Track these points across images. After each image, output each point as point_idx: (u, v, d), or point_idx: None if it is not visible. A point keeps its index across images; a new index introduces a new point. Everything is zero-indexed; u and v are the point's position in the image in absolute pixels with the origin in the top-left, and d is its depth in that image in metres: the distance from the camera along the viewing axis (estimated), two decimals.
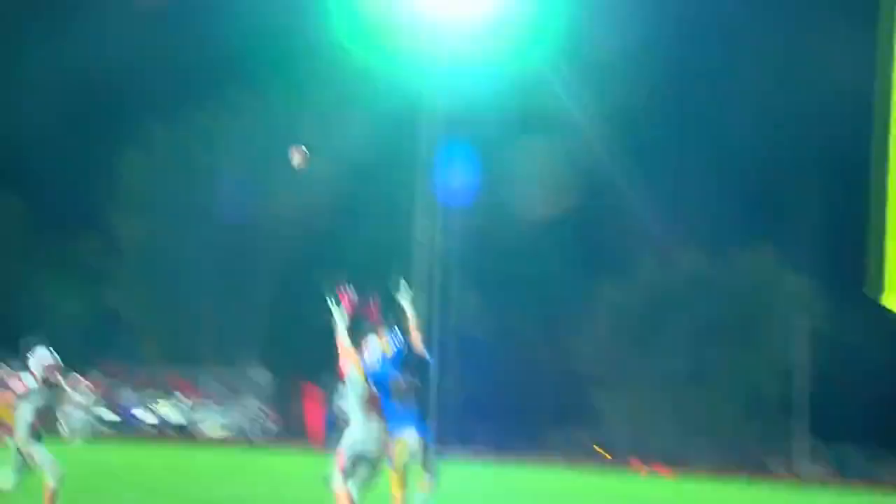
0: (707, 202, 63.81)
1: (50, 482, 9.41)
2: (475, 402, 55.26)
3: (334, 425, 20.63)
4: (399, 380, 8.10)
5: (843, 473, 57.30)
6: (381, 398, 8.17)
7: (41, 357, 9.76)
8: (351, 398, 8.41)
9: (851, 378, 56.31)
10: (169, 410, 42.98)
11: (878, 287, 17.05)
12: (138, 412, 41.89)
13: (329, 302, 8.65)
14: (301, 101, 51.90)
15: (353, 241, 51.46)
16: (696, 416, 59.46)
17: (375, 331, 8.52)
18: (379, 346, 8.30)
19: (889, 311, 16.94)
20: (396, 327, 8.59)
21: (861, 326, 51.49)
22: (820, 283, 58.22)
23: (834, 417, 56.61)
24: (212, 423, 43.35)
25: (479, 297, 56.85)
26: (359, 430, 8.20)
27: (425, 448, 8.20)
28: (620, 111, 56.88)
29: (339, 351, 8.56)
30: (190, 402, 43.71)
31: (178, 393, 43.88)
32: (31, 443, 9.48)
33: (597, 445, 57.32)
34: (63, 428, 22.34)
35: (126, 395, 41.59)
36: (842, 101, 43.12)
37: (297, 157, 9.16)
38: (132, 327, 51.00)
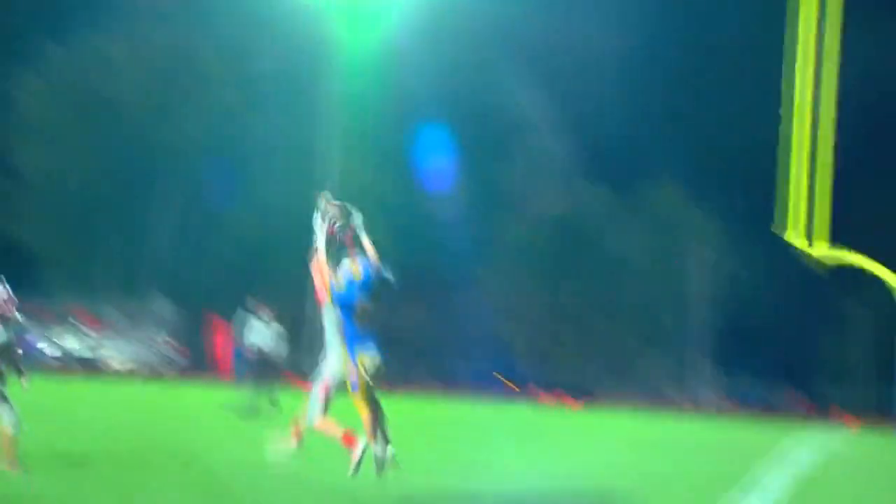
0: (617, 138, 64.57)
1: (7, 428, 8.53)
2: (384, 336, 55.52)
3: (242, 358, 20.55)
4: (364, 303, 8.12)
5: (742, 402, 59.33)
6: (344, 321, 8.24)
7: None
8: (328, 328, 8.52)
9: (751, 311, 58.09)
10: (73, 343, 42.37)
11: (783, 224, 17.68)
12: (42, 345, 41.18)
13: (315, 220, 8.64)
14: (204, 31, 50.87)
15: (263, 172, 50.91)
16: (602, 349, 60.81)
17: (348, 255, 8.48)
18: (350, 270, 8.28)
19: (791, 247, 17.50)
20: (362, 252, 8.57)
21: (761, 261, 53.06)
22: (725, 219, 59.64)
23: (733, 349, 58.45)
24: (117, 355, 42.89)
25: (386, 232, 56.78)
26: (336, 359, 8.36)
27: (382, 369, 8.27)
28: (529, 46, 57.02)
29: (315, 274, 8.59)
30: (94, 335, 43.11)
31: (82, 326, 43.22)
32: None
33: (503, 377, 58.18)
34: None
35: (30, 328, 40.75)
36: (757, 50, 44.05)
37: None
38: (34, 260, 49.83)
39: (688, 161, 60.76)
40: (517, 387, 57.41)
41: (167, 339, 45.26)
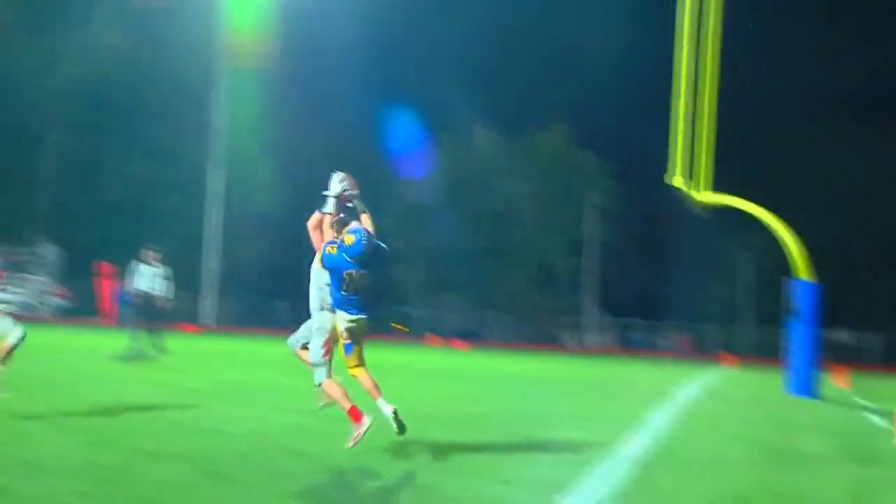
0: (506, 83, 64.84)
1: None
2: (272, 275, 55.23)
3: (127, 302, 20.19)
4: (353, 271, 8.13)
5: (627, 343, 60.82)
6: (332, 285, 8.35)
7: None
8: (313, 290, 8.61)
9: (639, 255, 59.34)
10: None
11: (670, 170, 17.94)
12: None
13: (331, 186, 8.72)
14: None
15: (148, 114, 49.96)
16: (491, 292, 61.52)
17: (344, 223, 8.49)
18: (343, 237, 8.27)
19: (678, 192, 17.79)
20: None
21: (650, 206, 54.16)
22: (615, 164, 60.65)
23: (621, 292, 59.71)
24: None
25: (276, 168, 56.35)
26: (323, 320, 8.48)
27: (363, 328, 8.31)
28: None
29: (314, 234, 8.65)
30: None
31: None
32: None
33: (394, 321, 58.48)
34: None
35: None
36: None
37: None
38: None
39: (580, 107, 61.46)
40: (409, 329, 57.84)
41: (51, 283, 44.23)
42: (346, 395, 8.27)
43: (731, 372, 33.18)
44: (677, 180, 20.78)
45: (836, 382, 27.89)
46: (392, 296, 60.96)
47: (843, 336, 56.41)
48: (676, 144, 20.43)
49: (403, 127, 60.74)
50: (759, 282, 58.00)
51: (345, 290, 8.25)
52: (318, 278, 8.64)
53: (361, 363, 8.47)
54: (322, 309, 8.58)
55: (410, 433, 8.54)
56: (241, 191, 53.35)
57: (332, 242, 8.40)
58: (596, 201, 59.27)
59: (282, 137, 54.66)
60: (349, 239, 8.27)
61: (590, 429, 11.46)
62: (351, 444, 8.08)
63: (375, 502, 6.60)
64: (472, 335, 58.60)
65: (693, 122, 21.56)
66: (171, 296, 19.07)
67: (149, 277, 18.95)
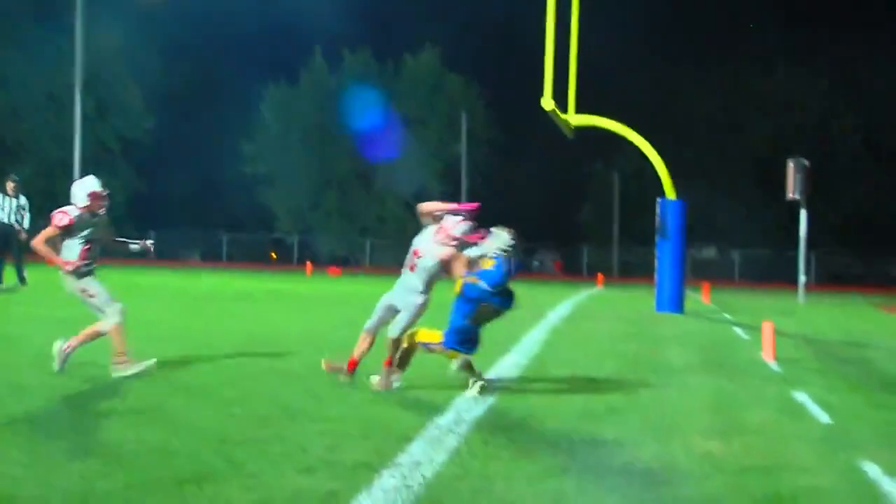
0: (377, 5, 64.05)
1: None
2: (140, 204, 54.07)
3: None
4: (489, 304, 7.97)
5: None
6: (463, 310, 8.18)
7: None
8: (425, 276, 8.50)
9: (509, 177, 59.87)
10: None
11: (543, 93, 17.98)
12: None
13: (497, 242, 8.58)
14: None
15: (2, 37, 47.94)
16: (365, 217, 61.40)
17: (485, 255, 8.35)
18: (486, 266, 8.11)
19: (546, 114, 17.86)
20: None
21: (522, 129, 54.59)
22: (485, 87, 60.74)
23: (493, 215, 60.33)
24: None
25: (143, 95, 54.82)
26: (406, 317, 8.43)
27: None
28: None
29: (456, 266, 8.37)
30: None
31: None
32: None
33: (272, 252, 58.00)
34: None
35: None
36: None
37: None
38: None
39: (451, 30, 61.19)
40: (277, 255, 57.48)
41: None
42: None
43: (603, 291, 34.00)
44: (548, 103, 20.91)
45: (702, 298, 28.88)
46: (264, 223, 60.33)
47: (709, 253, 58.31)
48: (547, 67, 20.52)
49: (272, 52, 59.71)
50: (628, 202, 59.31)
51: (471, 321, 8.08)
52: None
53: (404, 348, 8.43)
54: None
55: (291, 356, 8.52)
56: (107, 117, 51.79)
57: (471, 274, 8.21)
58: (468, 125, 59.34)
59: (147, 65, 53.02)
60: (488, 263, 8.18)
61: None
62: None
63: (254, 419, 6.57)
64: (346, 261, 58.54)
65: (563, 45, 21.70)
66: (28, 226, 18.36)
67: (7, 208, 18.25)
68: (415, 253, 8.42)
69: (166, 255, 47.52)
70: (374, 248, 60.36)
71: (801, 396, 8.81)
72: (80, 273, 8.57)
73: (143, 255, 8.82)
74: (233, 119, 58.92)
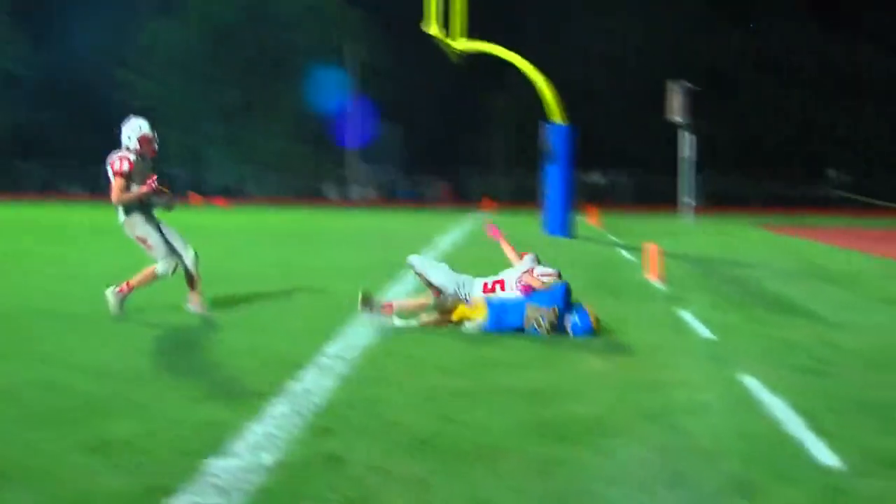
0: None
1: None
2: (25, 137, 52.34)
3: None
4: (547, 310, 7.80)
5: (391, 195, 61.55)
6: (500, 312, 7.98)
7: None
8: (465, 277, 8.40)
9: (400, 106, 59.46)
10: None
11: (426, 18, 17.92)
12: None
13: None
14: None
15: None
16: (253, 147, 60.42)
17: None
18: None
19: (434, 41, 17.79)
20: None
21: (412, 57, 54.09)
22: (372, 14, 59.86)
23: (383, 144, 59.97)
24: None
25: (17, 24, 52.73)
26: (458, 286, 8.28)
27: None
28: None
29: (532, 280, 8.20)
30: None
31: None
32: None
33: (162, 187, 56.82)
34: None
35: None
36: None
37: None
38: None
39: None
40: (169, 189, 56.18)
41: None
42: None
43: (492, 216, 34.25)
44: (433, 28, 20.78)
45: (590, 221, 29.34)
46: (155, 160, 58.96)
47: (596, 177, 59.16)
48: None
49: None
50: (516, 128, 59.57)
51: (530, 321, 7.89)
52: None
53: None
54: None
55: (181, 290, 8.38)
56: None
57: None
58: (356, 53, 58.61)
59: None
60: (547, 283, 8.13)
61: (352, 279, 11.56)
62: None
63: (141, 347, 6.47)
64: (234, 192, 57.68)
65: None
66: None
67: None
68: (500, 283, 8.33)
69: (53, 188, 46.24)
70: (262, 179, 59.55)
71: (685, 315, 9.04)
72: (143, 212, 8.35)
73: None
74: (115, 50, 57.05)
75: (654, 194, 53.19)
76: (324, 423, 4.80)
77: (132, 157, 8.29)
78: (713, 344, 7.55)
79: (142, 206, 8.39)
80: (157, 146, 8.55)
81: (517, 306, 7.91)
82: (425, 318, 8.20)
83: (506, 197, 57.36)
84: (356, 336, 7.47)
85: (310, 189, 60.93)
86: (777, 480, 4.08)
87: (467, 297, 8.24)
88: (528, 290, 8.08)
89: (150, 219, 8.47)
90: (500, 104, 61.61)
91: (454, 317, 8.09)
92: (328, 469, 4.10)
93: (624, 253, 17.48)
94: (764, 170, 56.30)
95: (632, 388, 5.80)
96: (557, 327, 7.81)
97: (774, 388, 5.81)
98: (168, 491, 3.78)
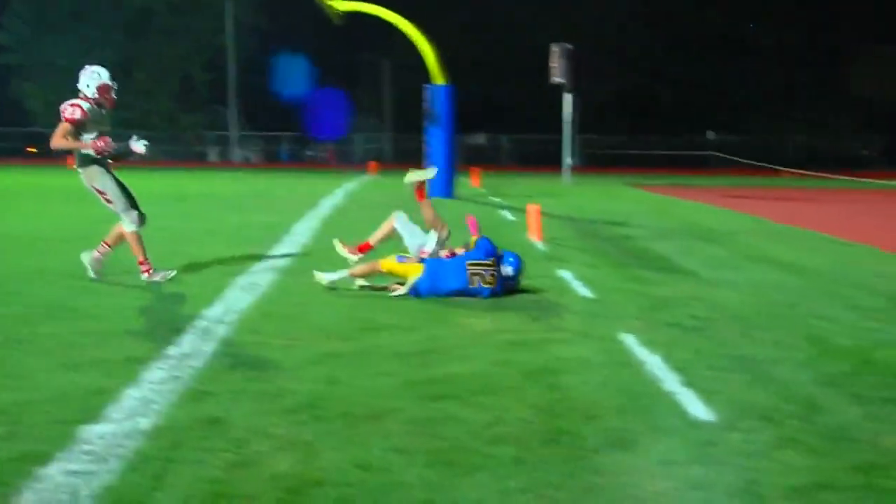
0: None
1: None
2: None
3: None
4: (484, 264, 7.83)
5: (275, 157, 60.80)
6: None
7: None
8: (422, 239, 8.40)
9: (282, 67, 58.62)
10: None
11: None
12: None
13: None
14: None
15: None
16: (130, 109, 58.87)
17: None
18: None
19: (317, 2, 17.52)
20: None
21: (290, 16, 53.32)
22: None
23: (265, 106, 59.09)
24: None
25: None
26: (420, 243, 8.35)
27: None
28: None
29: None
30: None
31: None
32: None
33: (29, 147, 55.03)
34: None
35: None
36: None
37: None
38: None
39: None
40: (37, 150, 54.58)
41: None
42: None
43: (376, 178, 34.18)
44: None
45: (472, 183, 29.50)
46: (21, 118, 56.91)
47: (479, 139, 59.40)
48: None
49: None
50: (401, 90, 59.31)
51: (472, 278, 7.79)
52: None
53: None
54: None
55: (53, 255, 8.13)
56: None
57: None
58: (235, 12, 57.43)
59: None
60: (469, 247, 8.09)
61: (232, 242, 11.41)
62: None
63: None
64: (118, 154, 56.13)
65: None
66: None
67: None
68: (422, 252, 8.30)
69: None
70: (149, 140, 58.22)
71: (564, 273, 9.18)
72: (100, 164, 8.11)
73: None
74: None
75: (537, 156, 53.68)
76: (203, 388, 4.73)
77: (86, 105, 8.05)
78: (592, 302, 7.69)
79: (98, 158, 8.15)
80: (115, 96, 8.34)
81: (456, 266, 7.83)
82: (357, 269, 8.16)
83: (391, 159, 57.16)
84: (236, 300, 7.37)
85: (192, 152, 59.73)
86: (653, 434, 4.19)
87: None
88: (453, 255, 8.11)
89: (108, 171, 8.26)
90: (385, 66, 61.27)
91: (382, 266, 7.98)
92: (208, 433, 4.04)
93: (504, 213, 17.65)
94: (641, 130, 57.27)
95: (513, 348, 5.87)
96: (499, 278, 7.82)
97: (651, 345, 5.95)
98: (42, 458, 3.69)
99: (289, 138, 62.45)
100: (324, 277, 8.07)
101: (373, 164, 42.32)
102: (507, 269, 7.92)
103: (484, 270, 7.76)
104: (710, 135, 59.26)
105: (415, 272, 7.79)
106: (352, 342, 5.93)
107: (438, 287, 7.73)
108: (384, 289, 7.92)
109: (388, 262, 7.98)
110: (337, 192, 24.17)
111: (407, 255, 8.20)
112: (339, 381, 4.96)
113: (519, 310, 7.25)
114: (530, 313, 7.10)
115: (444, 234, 8.45)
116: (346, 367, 5.26)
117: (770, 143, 56.48)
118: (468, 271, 7.76)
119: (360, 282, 8.11)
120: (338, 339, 6.00)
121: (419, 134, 31.19)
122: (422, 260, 7.99)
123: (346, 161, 57.31)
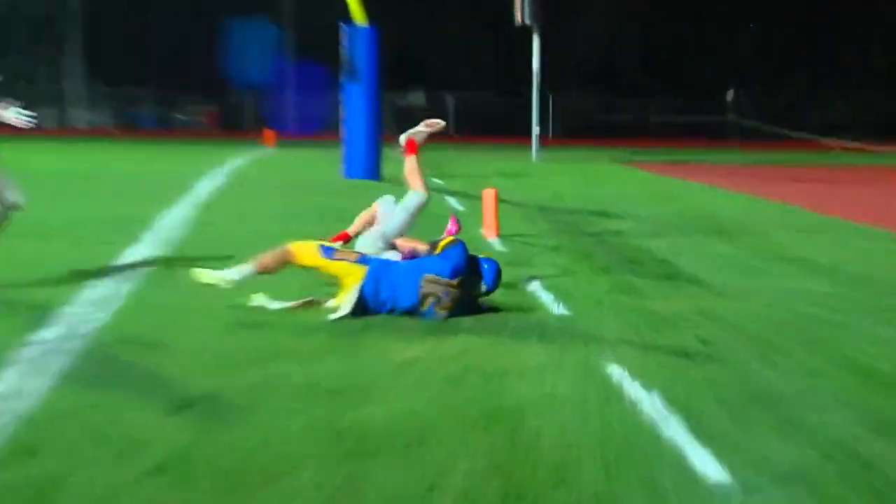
0: None
1: None
2: None
3: None
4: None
5: (132, 122, 60.41)
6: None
7: None
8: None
9: (146, 5, 58.36)
10: None
11: None
12: None
13: None
14: None
15: None
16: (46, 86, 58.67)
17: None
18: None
19: None
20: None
21: None
22: None
23: (116, 54, 58.69)
24: None
25: None
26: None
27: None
28: None
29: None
30: None
31: None
32: None
33: None
34: None
35: None
36: None
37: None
38: None
39: None
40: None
41: None
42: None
43: (274, 152, 34.05)
44: None
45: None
46: None
47: (416, 99, 59.37)
48: None
49: None
50: (308, 35, 59.07)
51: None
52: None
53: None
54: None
55: None
56: None
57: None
58: None
59: None
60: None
61: (81, 242, 11.32)
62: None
63: None
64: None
65: None
66: None
67: None
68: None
69: None
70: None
71: (530, 283, 9.18)
72: None
73: None
74: None
75: (496, 122, 53.61)
76: (30, 442, 4.64)
77: None
78: (567, 320, 7.71)
79: None
80: None
81: (408, 275, 7.64)
82: (264, 258, 7.85)
83: (294, 126, 56.82)
84: (80, 320, 7.28)
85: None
86: (648, 500, 4.18)
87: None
88: (412, 256, 8.10)
89: None
90: (284, 3, 60.97)
91: (297, 256, 7.69)
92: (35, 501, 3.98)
93: (451, 200, 17.64)
94: (631, 91, 57.38)
95: (461, 383, 5.84)
96: (463, 303, 7.68)
97: (647, 377, 5.96)
98: None
99: (152, 97, 61.94)
100: (213, 276, 7.64)
101: (269, 132, 42.08)
102: (482, 288, 7.94)
103: (443, 292, 7.54)
104: (730, 94, 59.57)
105: (354, 277, 7.57)
106: (238, 376, 5.87)
107: (381, 300, 7.55)
108: (315, 305, 7.76)
109: (306, 252, 7.70)
110: (219, 170, 24.00)
111: (337, 246, 8.15)
112: (217, 430, 4.90)
113: (469, 331, 7.23)
114: (480, 336, 7.08)
115: (422, 199, 8.73)
116: (229, 412, 5.20)
117: (813, 106, 56.16)
118: (421, 288, 7.54)
119: (282, 304, 7.67)
120: (219, 372, 5.93)
121: (331, 91, 31.11)
122: (362, 259, 7.79)
123: (230, 127, 56.99)
